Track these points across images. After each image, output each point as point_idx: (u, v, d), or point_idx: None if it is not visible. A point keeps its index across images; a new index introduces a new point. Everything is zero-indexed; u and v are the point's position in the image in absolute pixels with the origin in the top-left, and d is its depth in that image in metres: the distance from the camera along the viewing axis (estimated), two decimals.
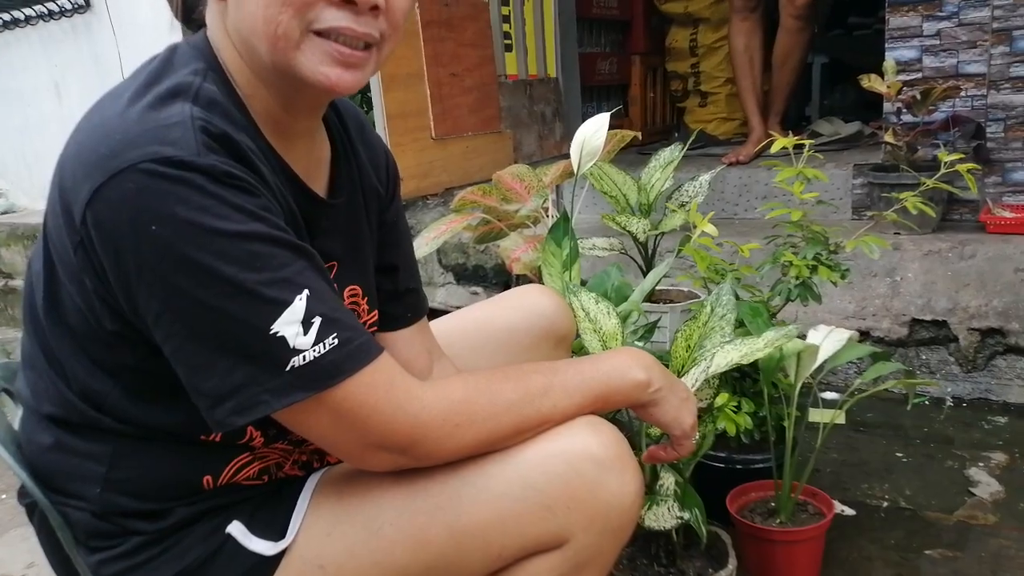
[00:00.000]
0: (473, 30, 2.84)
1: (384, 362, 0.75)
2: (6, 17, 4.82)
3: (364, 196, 0.94)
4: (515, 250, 1.91)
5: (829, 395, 2.19)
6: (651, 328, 1.48)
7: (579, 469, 0.78)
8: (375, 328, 0.98)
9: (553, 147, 3.43)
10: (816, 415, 1.45)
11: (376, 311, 0.98)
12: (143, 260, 0.66)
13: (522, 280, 2.58)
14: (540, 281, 2.05)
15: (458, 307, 2.94)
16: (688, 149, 1.86)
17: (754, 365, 1.35)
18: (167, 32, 4.15)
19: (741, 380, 1.53)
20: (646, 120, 4.25)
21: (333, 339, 0.70)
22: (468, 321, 1.19)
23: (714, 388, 1.27)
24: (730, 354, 1.22)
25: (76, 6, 4.46)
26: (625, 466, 0.80)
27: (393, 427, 0.74)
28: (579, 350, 1.42)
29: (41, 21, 4.66)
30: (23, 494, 0.88)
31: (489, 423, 0.77)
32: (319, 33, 0.72)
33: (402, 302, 1.03)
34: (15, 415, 0.95)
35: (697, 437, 1.22)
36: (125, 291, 0.69)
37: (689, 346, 1.26)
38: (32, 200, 5.22)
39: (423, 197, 3.09)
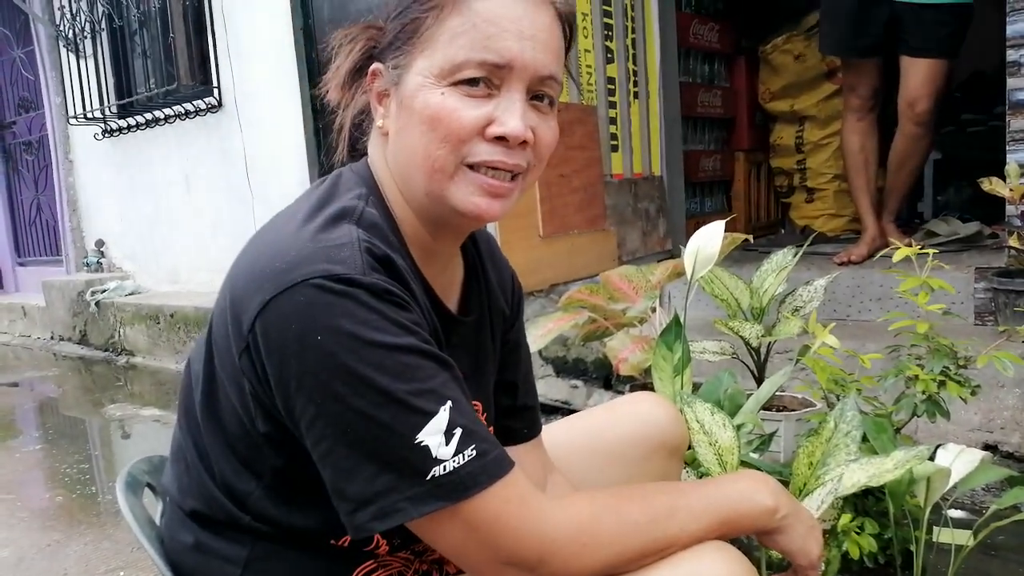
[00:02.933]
0: (581, 133, 2.93)
1: (517, 477, 0.75)
2: (148, 116, 5.26)
3: (491, 315, 0.98)
4: (623, 351, 1.90)
5: (956, 513, 2.05)
6: (767, 440, 1.44)
7: None
8: None
9: (656, 243, 3.45)
10: (946, 536, 1.37)
11: (492, 427, 0.99)
12: (306, 367, 0.70)
13: (624, 378, 2.56)
14: (647, 382, 2.03)
15: (558, 400, 2.93)
16: (795, 245, 1.84)
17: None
18: (288, 128, 4.44)
19: (863, 498, 1.46)
20: (750, 215, 4.23)
21: (472, 450, 0.72)
22: (580, 432, 1.18)
23: (838, 509, 1.22)
24: (856, 474, 1.17)
25: (210, 106, 4.83)
26: None
27: (524, 543, 0.73)
28: (691, 461, 1.39)
29: (177, 119, 5.07)
30: None
31: (616, 545, 0.76)
32: (471, 166, 0.79)
33: (520, 418, 1.05)
34: (155, 510, 1.00)
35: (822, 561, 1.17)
36: (284, 395, 0.73)
37: (812, 463, 1.22)
38: (157, 283, 5.57)
39: (529, 293, 3.14)
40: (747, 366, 1.81)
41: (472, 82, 0.77)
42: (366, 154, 0.89)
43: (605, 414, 1.22)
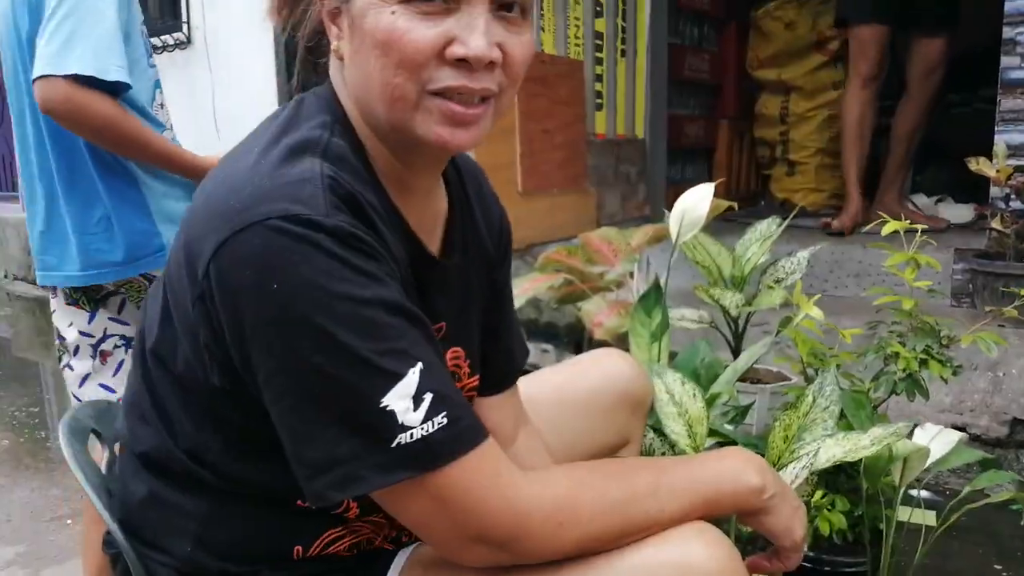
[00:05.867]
0: (567, 88, 2.85)
1: (491, 448, 0.70)
2: None
3: (476, 256, 0.91)
4: (598, 314, 1.86)
5: (922, 493, 2.05)
6: (743, 411, 1.41)
7: None
8: (474, 393, 0.94)
9: (635, 208, 3.40)
10: (917, 516, 1.35)
11: (477, 376, 0.93)
12: (262, 316, 0.64)
13: (596, 344, 2.53)
14: (623, 348, 1.99)
15: (528, 364, 2.91)
16: (779, 216, 1.79)
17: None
18: (259, 69, 4.30)
19: (835, 475, 1.44)
20: (731, 185, 4.19)
21: (442, 417, 0.66)
22: (547, 386, 1.15)
23: (812, 485, 1.19)
24: (832, 449, 1.14)
25: (178, 42, 4.67)
26: None
27: (496, 519, 0.68)
28: (660, 430, 1.35)
29: None
30: (108, 543, 0.86)
31: (595, 523, 0.72)
32: (435, 93, 0.70)
33: (499, 367, 0.99)
34: (101, 457, 0.94)
35: None
36: (239, 346, 0.67)
37: (787, 437, 1.18)
38: None
39: None
40: (724, 336, 1.78)
41: None
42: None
43: (571, 369, 1.21)
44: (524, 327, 3.14)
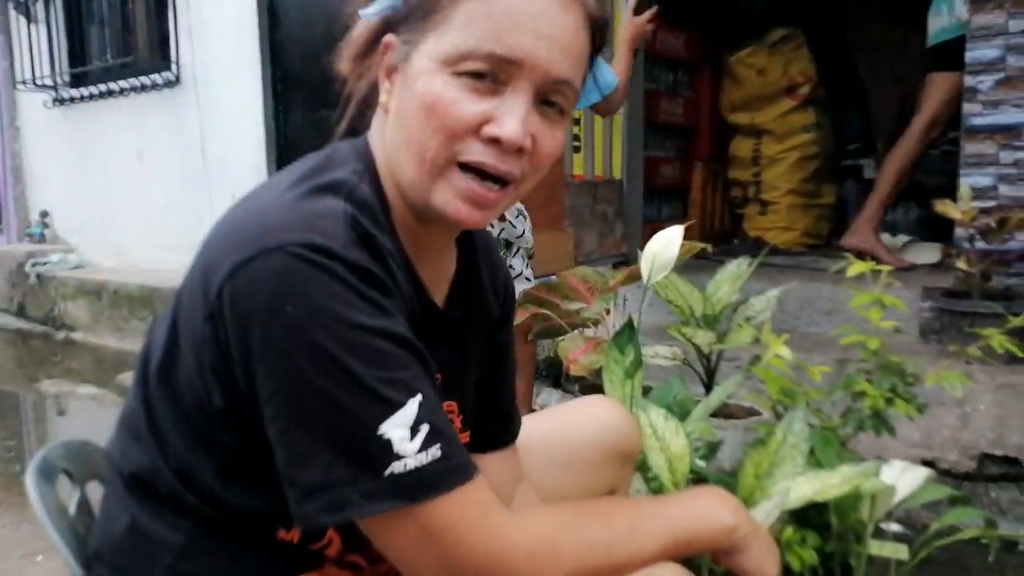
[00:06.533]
0: None
1: (480, 485, 0.72)
2: (102, 87, 5.11)
3: (479, 314, 0.94)
4: (575, 351, 1.89)
5: (893, 527, 2.09)
6: (714, 447, 1.44)
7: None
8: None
9: (612, 246, 3.45)
10: (887, 550, 1.38)
11: (469, 433, 0.95)
12: (271, 337, 0.66)
13: (574, 378, 2.56)
14: (597, 382, 2.02)
15: None
16: (750, 255, 1.84)
17: None
18: (248, 108, 4.34)
19: (804, 511, 1.47)
20: (705, 224, 4.27)
21: (436, 450, 0.68)
22: (537, 435, 1.15)
23: (782, 522, 1.22)
24: (803, 487, 1.17)
25: (167, 81, 4.70)
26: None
27: (479, 556, 0.70)
28: (640, 466, 1.38)
29: (133, 93, 4.93)
30: None
31: (573, 562, 0.74)
32: (462, 166, 0.74)
33: (499, 424, 1.01)
34: (71, 497, 0.93)
35: None
36: (245, 366, 0.69)
37: (758, 474, 1.22)
38: (102, 257, 5.41)
39: None
40: (697, 372, 1.82)
41: (477, 75, 0.72)
42: (362, 133, 0.85)
43: (562, 418, 1.21)
44: None
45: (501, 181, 0.75)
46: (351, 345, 0.66)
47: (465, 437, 0.95)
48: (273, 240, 0.67)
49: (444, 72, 0.72)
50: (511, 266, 2.30)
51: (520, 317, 2.05)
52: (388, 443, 0.66)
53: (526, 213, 2.35)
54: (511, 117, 0.72)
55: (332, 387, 0.66)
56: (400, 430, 0.66)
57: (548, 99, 0.75)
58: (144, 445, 0.81)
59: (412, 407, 0.67)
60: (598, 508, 0.81)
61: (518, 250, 2.34)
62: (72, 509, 0.92)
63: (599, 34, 0.79)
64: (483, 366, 0.97)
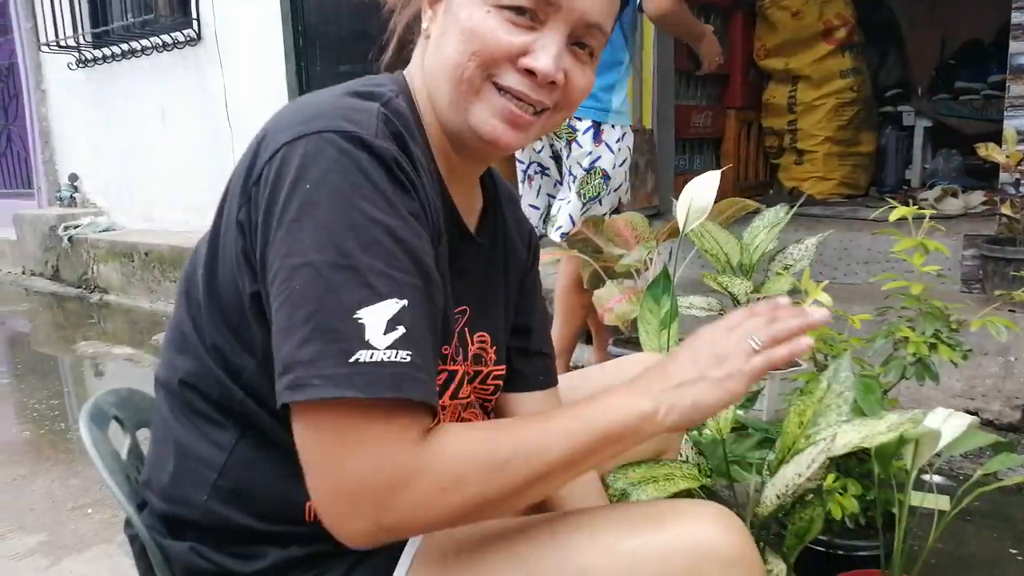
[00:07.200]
0: None
1: (421, 412, 0.69)
2: (124, 47, 5.09)
3: (505, 250, 0.96)
4: (610, 300, 1.87)
5: (935, 478, 2.06)
6: (753, 396, 1.42)
7: (702, 571, 0.72)
8: (499, 381, 0.97)
9: (644, 198, 3.39)
10: (929, 500, 1.35)
11: (504, 366, 0.96)
12: (286, 212, 0.69)
13: (609, 329, 2.53)
14: (632, 335, 2.00)
15: None
16: (787, 204, 1.80)
17: None
18: (270, 65, 4.31)
19: (846, 459, 1.45)
20: (739, 175, 4.19)
21: (407, 355, 0.66)
22: (583, 392, 1.14)
23: (825, 469, 1.19)
24: (849, 435, 1.15)
25: (189, 39, 4.67)
26: (752, 568, 0.74)
27: (385, 471, 0.66)
28: None
29: (155, 51, 4.91)
30: (128, 524, 0.88)
31: (475, 487, 0.69)
32: (499, 88, 0.78)
33: (534, 363, 1.02)
34: (123, 444, 0.96)
35: (806, 520, 1.15)
36: (263, 244, 0.71)
37: (802, 422, 1.19)
38: (131, 220, 5.46)
39: None
40: None
41: (519, 11, 0.76)
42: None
43: (607, 376, 1.15)
44: None
45: (534, 109, 0.79)
46: (353, 228, 0.68)
47: (500, 369, 0.96)
48: (312, 127, 0.71)
49: (488, 3, 0.76)
50: (599, 200, 2.30)
51: (559, 259, 2.03)
52: (362, 328, 0.66)
53: (631, 148, 2.39)
54: (546, 52, 0.77)
55: (324, 264, 0.67)
56: (377, 320, 0.66)
57: (580, 40, 0.80)
58: (191, 351, 0.82)
59: (395, 305, 0.67)
60: (510, 426, 0.76)
61: (616, 188, 2.34)
62: (124, 454, 0.94)
63: None
64: (514, 308, 0.99)
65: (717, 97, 4.21)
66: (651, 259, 1.78)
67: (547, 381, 1.03)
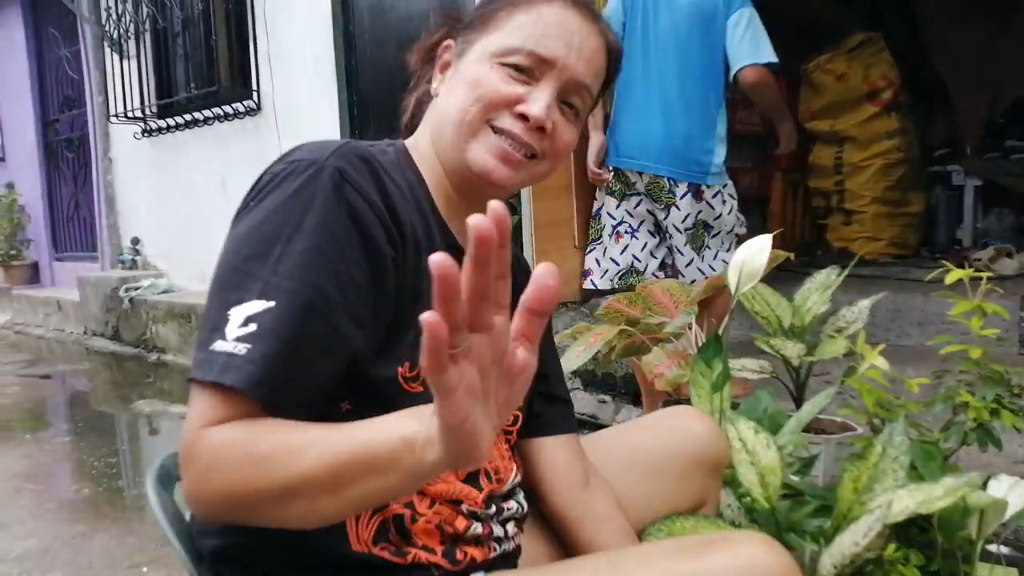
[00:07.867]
0: None
1: (237, 401, 0.70)
2: (187, 117, 5.33)
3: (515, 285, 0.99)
4: (659, 365, 1.87)
5: (1002, 550, 1.98)
6: (809, 462, 1.40)
7: None
8: (518, 412, 0.98)
9: None
10: (998, 573, 1.31)
11: (520, 414, 0.99)
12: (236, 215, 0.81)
13: (661, 397, 2.52)
14: (680, 399, 1.99)
15: (585, 414, 2.90)
16: (839, 265, 1.79)
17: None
18: (325, 132, 4.46)
19: (907, 528, 1.41)
20: (786, 236, 4.18)
21: (244, 348, 0.70)
22: (617, 444, 1.16)
23: (884, 537, 1.17)
24: (904, 500, 1.13)
25: (249, 110, 4.87)
26: None
27: (185, 445, 0.72)
28: (730, 481, 1.35)
29: (216, 121, 5.12)
30: None
31: (233, 475, 0.68)
32: (495, 129, 0.88)
33: (554, 408, 1.05)
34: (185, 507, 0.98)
35: None
36: None
37: (857, 488, 1.18)
38: (189, 282, 5.62)
39: (563, 304, 3.12)
40: (785, 386, 1.77)
41: (519, 68, 0.88)
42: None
43: (644, 427, 1.22)
44: (580, 378, 3.15)
45: (525, 152, 0.89)
46: (253, 229, 0.76)
47: (516, 413, 0.98)
48: (287, 157, 0.81)
49: (491, 61, 0.89)
50: (707, 246, 2.51)
51: (605, 335, 2.04)
52: (227, 321, 0.72)
53: (734, 195, 2.57)
54: (539, 102, 0.88)
55: (226, 265, 0.76)
56: (239, 317, 0.72)
57: (568, 100, 0.91)
58: None
59: (260, 305, 0.72)
60: (282, 428, 0.71)
61: (717, 232, 2.52)
62: (188, 516, 0.96)
63: (614, 63, 0.96)
64: None
65: (762, 159, 4.23)
66: (691, 324, 1.78)
67: (568, 426, 1.06)
